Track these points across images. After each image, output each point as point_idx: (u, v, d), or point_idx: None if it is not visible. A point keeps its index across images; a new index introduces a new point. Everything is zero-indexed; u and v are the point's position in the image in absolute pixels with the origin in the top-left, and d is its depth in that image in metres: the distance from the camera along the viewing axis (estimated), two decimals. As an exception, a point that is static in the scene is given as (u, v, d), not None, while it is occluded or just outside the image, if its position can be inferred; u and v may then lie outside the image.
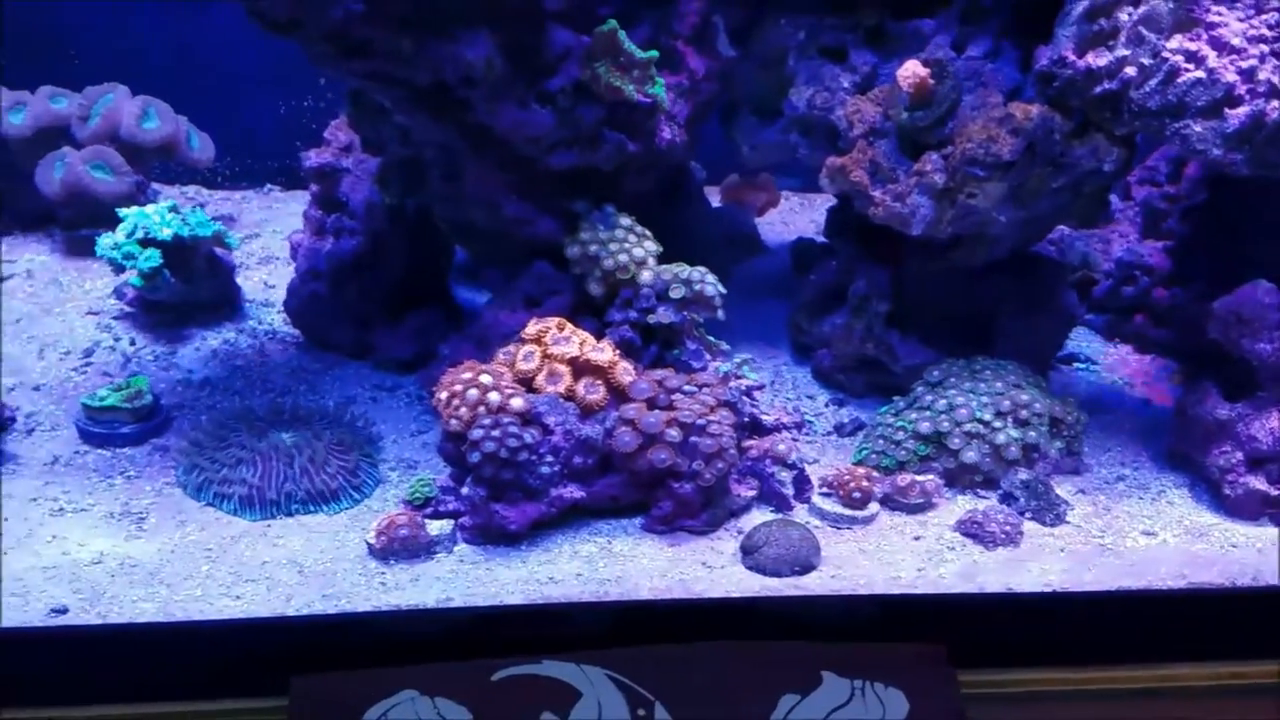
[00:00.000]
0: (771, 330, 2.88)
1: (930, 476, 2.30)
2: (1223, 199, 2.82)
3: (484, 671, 1.82)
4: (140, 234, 2.74)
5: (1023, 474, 2.30)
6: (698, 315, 2.42)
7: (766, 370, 2.75)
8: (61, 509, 2.20)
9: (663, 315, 2.35)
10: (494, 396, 2.12)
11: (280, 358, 2.76)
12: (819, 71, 2.62)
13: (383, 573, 2.04)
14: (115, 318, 2.86)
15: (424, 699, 1.79)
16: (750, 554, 2.09)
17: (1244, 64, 2.16)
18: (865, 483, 2.24)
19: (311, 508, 2.22)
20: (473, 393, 2.12)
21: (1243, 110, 2.16)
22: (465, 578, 2.03)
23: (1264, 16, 2.18)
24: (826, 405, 2.66)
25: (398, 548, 2.07)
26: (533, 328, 2.27)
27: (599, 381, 2.22)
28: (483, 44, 2.15)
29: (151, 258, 2.72)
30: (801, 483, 2.29)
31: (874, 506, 2.25)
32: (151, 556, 2.07)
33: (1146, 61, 2.22)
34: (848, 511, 2.23)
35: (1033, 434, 2.35)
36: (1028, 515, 2.25)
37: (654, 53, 2.35)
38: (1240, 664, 2.01)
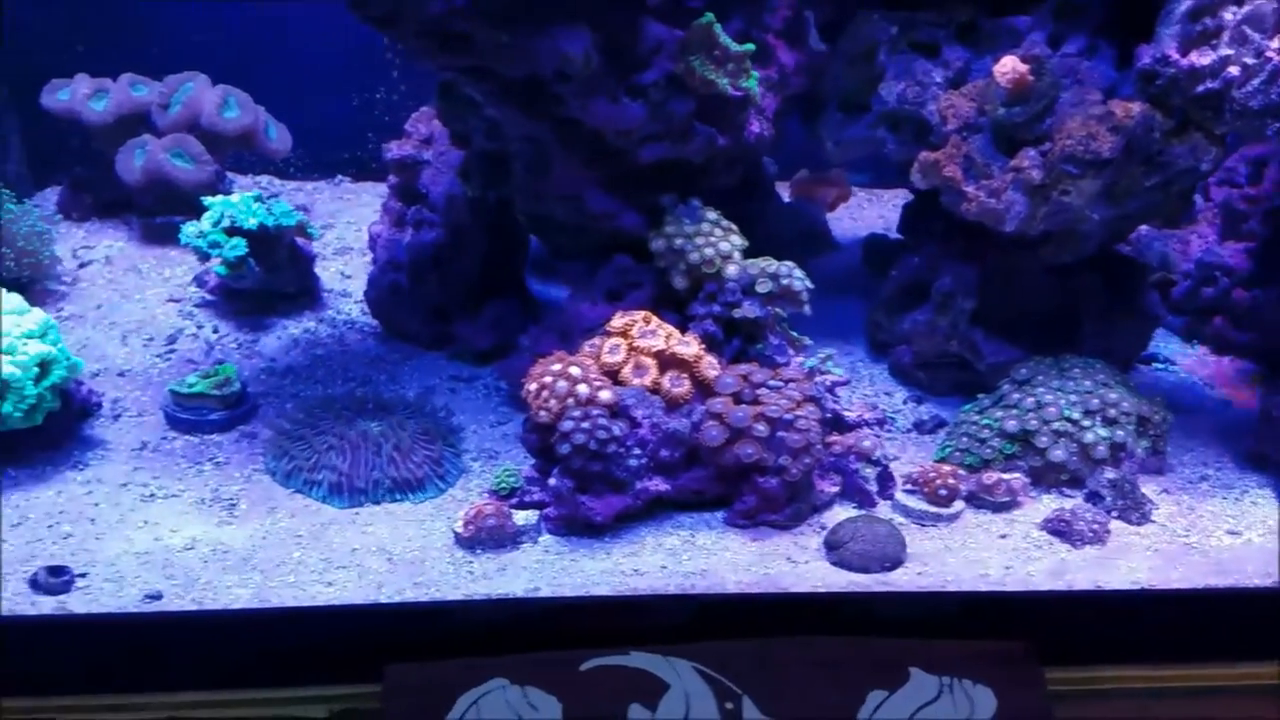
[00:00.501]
0: (846, 326, 2.86)
1: (1016, 475, 2.28)
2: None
3: (572, 662, 1.83)
4: (226, 223, 2.77)
5: (1110, 473, 2.27)
6: (781, 310, 2.41)
7: (843, 366, 2.73)
8: (152, 495, 2.22)
9: (748, 310, 2.33)
10: (583, 389, 2.12)
11: (359, 347, 2.78)
12: (910, 66, 2.61)
13: (470, 562, 2.05)
14: (197, 305, 2.88)
15: (514, 688, 1.80)
16: (835, 549, 2.08)
17: (1347, 64, 2.14)
18: (951, 480, 2.23)
19: (398, 496, 2.24)
20: (562, 384, 2.13)
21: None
22: (551, 568, 2.04)
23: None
24: (905, 402, 2.65)
25: (485, 537, 2.08)
26: (619, 320, 2.27)
27: (684, 375, 2.22)
28: (581, 38, 2.15)
29: (237, 246, 2.75)
30: (885, 479, 2.28)
31: (959, 504, 2.23)
32: (243, 543, 2.08)
33: (1250, 61, 2.20)
34: (932, 509, 2.22)
35: (1120, 433, 2.33)
36: (1114, 514, 2.23)
37: (750, 46, 2.34)
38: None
